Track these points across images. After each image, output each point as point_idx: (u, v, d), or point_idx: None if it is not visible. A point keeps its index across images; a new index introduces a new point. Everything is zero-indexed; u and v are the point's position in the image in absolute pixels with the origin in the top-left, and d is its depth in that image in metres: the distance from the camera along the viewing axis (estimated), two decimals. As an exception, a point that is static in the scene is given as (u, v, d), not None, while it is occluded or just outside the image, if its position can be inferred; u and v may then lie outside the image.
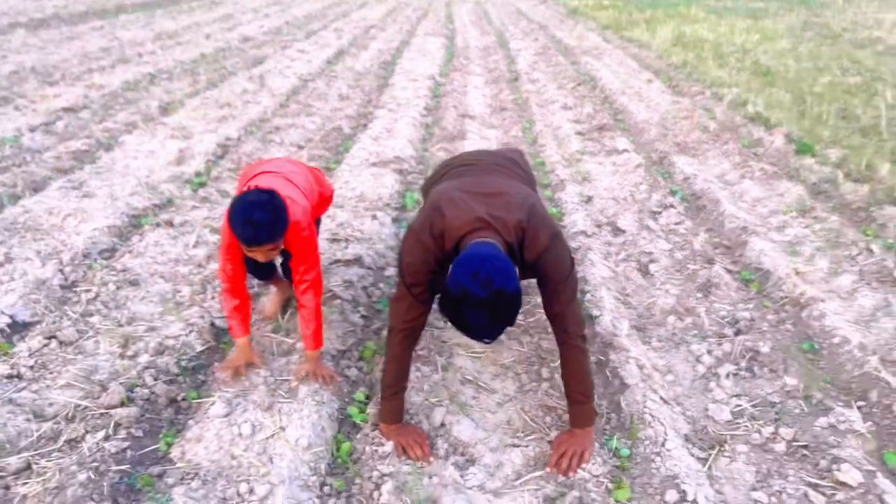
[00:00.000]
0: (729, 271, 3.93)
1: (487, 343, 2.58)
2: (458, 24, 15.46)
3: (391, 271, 3.95)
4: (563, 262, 2.43)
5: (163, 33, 12.48)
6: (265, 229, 2.48)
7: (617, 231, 4.51)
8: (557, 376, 2.94)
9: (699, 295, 3.72)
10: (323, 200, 3.31)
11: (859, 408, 2.81)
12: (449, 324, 2.26)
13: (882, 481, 2.37)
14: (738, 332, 3.35)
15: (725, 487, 2.44)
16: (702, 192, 5.05)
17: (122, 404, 2.71)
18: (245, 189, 2.66)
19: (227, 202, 4.70)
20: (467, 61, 10.66)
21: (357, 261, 3.94)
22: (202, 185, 5.13)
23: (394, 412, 2.60)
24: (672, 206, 4.78)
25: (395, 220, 4.66)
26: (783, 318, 3.51)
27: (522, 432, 2.69)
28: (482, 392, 2.92)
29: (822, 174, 5.26)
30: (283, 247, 2.70)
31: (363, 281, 3.77)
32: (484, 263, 2.09)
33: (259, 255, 2.62)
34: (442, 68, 10.00)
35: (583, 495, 2.34)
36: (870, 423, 2.71)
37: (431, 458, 2.51)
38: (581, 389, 2.52)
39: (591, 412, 2.57)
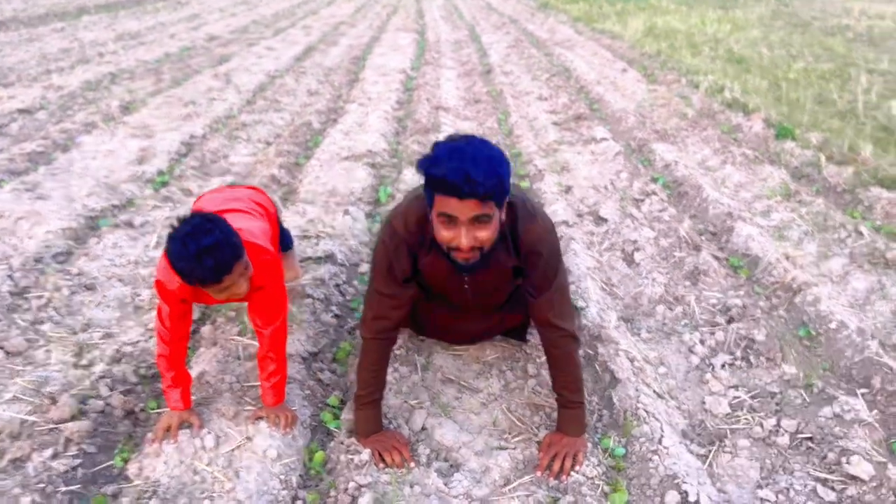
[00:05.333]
0: (716, 258, 3.79)
1: (466, 262, 2.03)
2: (429, 19, 15.25)
3: (365, 268, 3.75)
4: (558, 252, 2.30)
5: (125, 34, 12.13)
6: (226, 251, 1.97)
7: (599, 220, 4.35)
8: (545, 372, 2.77)
9: (687, 283, 3.57)
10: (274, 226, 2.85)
11: (863, 395, 2.67)
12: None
13: (895, 473, 2.22)
14: (730, 320, 3.20)
15: (729, 486, 2.28)
16: (683, 179, 4.91)
17: (74, 418, 2.48)
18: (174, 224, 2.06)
19: (191, 201, 4.47)
20: (439, 55, 10.47)
21: (329, 258, 3.73)
22: (164, 184, 4.88)
23: (368, 423, 2.40)
24: (654, 193, 4.63)
25: (369, 216, 4.45)
26: (776, 304, 3.36)
27: (509, 433, 2.50)
28: (465, 392, 2.73)
29: (804, 158, 5.15)
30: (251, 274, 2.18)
31: (336, 279, 3.56)
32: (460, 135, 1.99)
33: (234, 290, 2.10)
34: (413, 63, 9.79)
35: (577, 499, 2.16)
36: (875, 411, 2.57)
37: (412, 465, 2.32)
38: (573, 395, 2.37)
39: (583, 418, 2.41)
